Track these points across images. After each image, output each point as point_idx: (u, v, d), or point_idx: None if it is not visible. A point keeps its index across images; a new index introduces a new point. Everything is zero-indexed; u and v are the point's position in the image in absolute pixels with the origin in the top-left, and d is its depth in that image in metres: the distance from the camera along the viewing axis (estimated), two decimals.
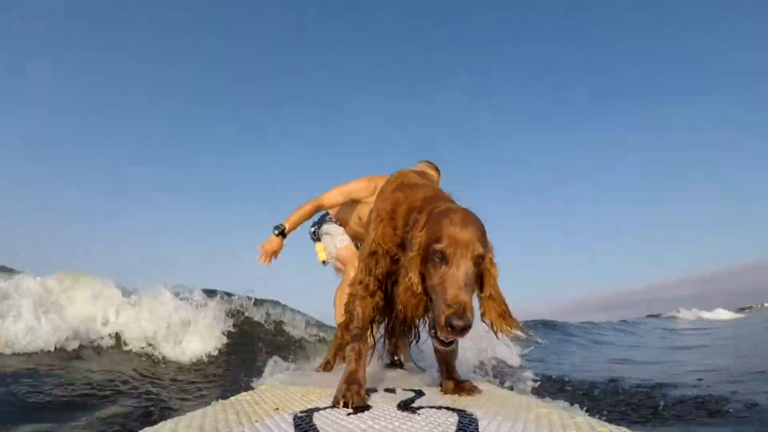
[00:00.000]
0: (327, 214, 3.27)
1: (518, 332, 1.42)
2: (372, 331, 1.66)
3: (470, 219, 1.28)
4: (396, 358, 2.57)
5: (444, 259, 1.23)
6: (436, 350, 1.64)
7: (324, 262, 3.20)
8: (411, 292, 1.33)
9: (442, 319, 1.14)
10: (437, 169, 3.02)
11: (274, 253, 2.97)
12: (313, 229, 3.32)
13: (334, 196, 3.00)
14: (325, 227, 3.22)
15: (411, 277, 1.33)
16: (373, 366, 2.52)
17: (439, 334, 1.22)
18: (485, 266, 1.33)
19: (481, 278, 1.34)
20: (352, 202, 3.05)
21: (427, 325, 1.65)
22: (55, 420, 1.89)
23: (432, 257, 1.26)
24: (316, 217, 3.24)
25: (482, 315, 1.38)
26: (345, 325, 2.32)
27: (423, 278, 1.31)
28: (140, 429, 0.94)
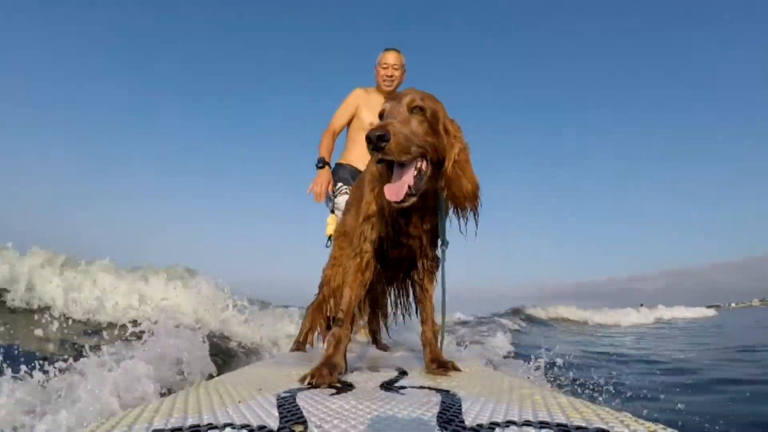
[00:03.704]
0: (340, 181, 3.12)
1: (473, 210, 1.41)
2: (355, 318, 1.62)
3: (411, 88, 1.38)
4: (376, 337, 2.58)
5: (382, 115, 1.32)
6: (422, 333, 1.65)
7: (330, 236, 3.01)
8: (379, 175, 1.41)
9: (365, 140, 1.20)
10: (400, 53, 3.17)
11: (328, 184, 3.01)
12: (331, 197, 3.15)
13: (338, 116, 3.19)
14: (338, 200, 3.08)
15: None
16: (356, 345, 2.54)
17: (373, 162, 1.35)
18: (447, 139, 1.36)
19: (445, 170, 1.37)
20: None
21: None
22: None
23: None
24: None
25: (442, 191, 1.41)
26: (318, 305, 2.30)
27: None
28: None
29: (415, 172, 1.29)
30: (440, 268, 1.62)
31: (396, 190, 1.25)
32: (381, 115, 1.34)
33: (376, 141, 1.17)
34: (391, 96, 1.35)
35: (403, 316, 1.89)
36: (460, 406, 0.92)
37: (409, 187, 1.26)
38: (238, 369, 1.87)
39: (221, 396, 1.07)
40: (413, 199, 1.28)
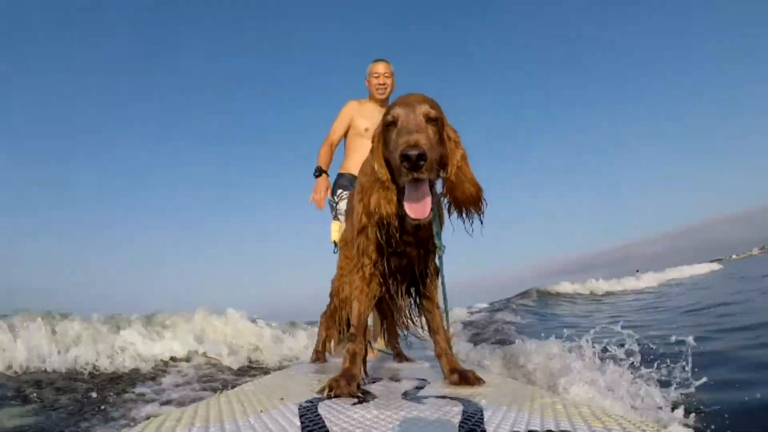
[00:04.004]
0: (340, 188, 3.19)
1: (477, 212, 1.36)
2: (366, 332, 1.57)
3: (418, 93, 1.30)
4: (395, 349, 2.55)
5: (394, 122, 1.25)
6: (435, 344, 1.61)
7: (335, 242, 3.01)
8: (379, 183, 1.31)
9: (398, 158, 1.13)
10: (388, 62, 3.25)
11: (326, 191, 3.10)
12: (333, 204, 3.20)
13: (334, 128, 3.29)
14: (341, 206, 3.13)
15: (375, 165, 1.33)
16: (377, 357, 2.54)
17: (400, 179, 1.21)
18: (449, 145, 1.31)
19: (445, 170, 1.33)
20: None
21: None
22: None
23: (387, 133, 1.27)
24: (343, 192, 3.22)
25: (444, 196, 1.36)
26: (330, 314, 2.30)
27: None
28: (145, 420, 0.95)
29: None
30: (439, 275, 1.59)
31: (420, 209, 1.21)
32: (389, 123, 1.27)
33: (416, 161, 1.11)
34: (402, 102, 1.27)
35: (415, 325, 1.87)
36: (482, 415, 0.92)
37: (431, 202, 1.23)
38: (258, 379, 1.88)
39: (243, 405, 1.09)
40: (432, 214, 1.25)
